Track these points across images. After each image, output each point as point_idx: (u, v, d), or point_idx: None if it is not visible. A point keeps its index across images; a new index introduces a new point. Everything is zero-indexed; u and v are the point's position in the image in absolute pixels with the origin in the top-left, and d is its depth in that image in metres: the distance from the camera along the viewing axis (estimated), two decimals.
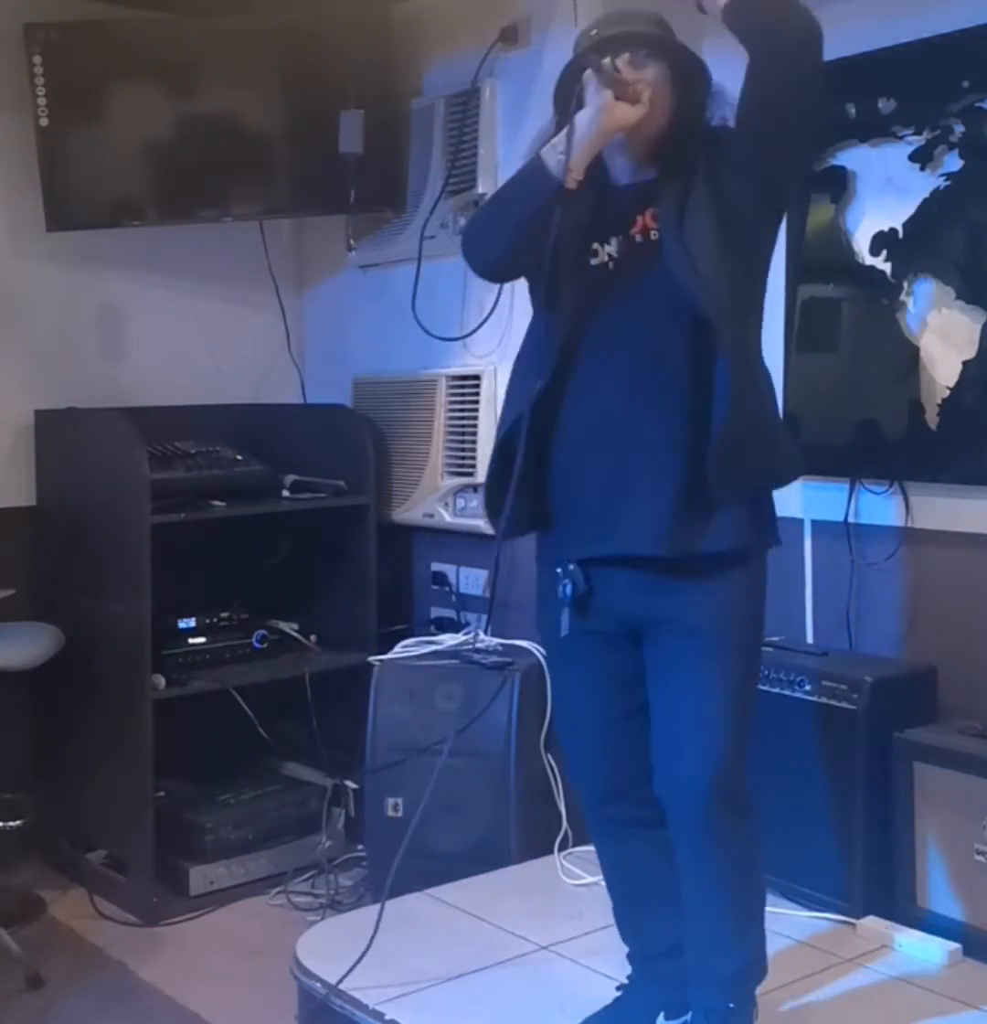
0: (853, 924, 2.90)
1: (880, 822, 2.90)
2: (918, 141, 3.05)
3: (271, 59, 3.92)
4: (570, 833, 3.42)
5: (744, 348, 2.21)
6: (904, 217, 3.09)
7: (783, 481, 2.33)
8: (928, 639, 3.09)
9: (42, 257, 3.98)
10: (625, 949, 2.54)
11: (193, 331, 4.27)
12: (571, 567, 2.30)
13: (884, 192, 3.13)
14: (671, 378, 2.21)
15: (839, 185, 3.21)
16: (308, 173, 3.97)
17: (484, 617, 3.79)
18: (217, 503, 3.79)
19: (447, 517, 3.91)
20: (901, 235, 3.10)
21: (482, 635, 3.68)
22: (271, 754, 4.00)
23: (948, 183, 3.01)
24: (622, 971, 2.54)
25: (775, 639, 3.10)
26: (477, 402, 3.80)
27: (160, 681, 3.61)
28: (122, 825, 3.65)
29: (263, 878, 3.72)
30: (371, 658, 3.63)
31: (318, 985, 2.72)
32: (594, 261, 2.28)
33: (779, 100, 2.13)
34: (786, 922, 2.87)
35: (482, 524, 3.79)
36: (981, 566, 3.00)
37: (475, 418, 3.80)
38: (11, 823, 3.59)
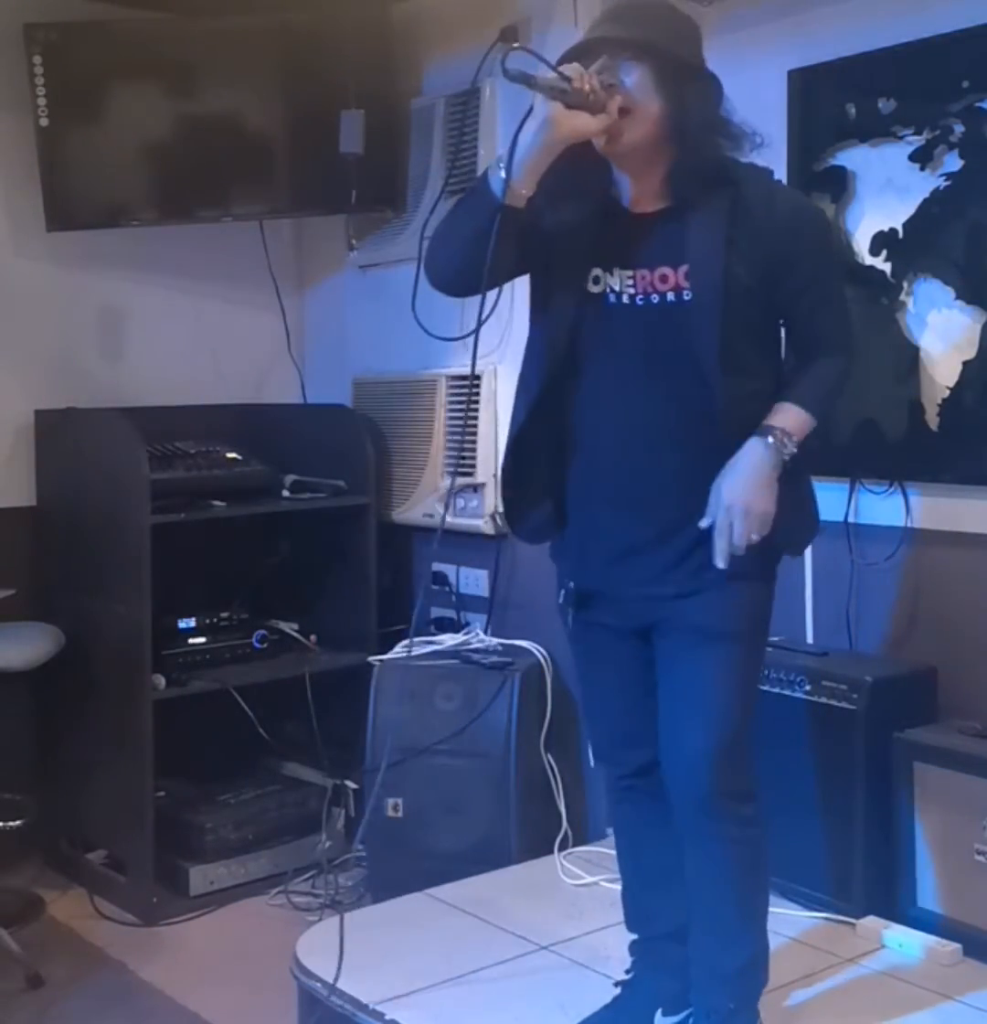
0: (853, 924, 2.89)
1: (880, 822, 2.90)
2: (918, 141, 3.05)
3: (271, 59, 3.92)
4: (570, 833, 3.42)
5: (748, 425, 2.22)
6: (904, 217, 3.08)
7: (791, 551, 2.40)
8: (928, 639, 3.09)
9: (42, 257, 3.99)
10: (625, 949, 2.54)
11: (193, 331, 4.27)
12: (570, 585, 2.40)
13: (884, 192, 3.12)
14: (680, 428, 2.23)
15: (839, 185, 3.20)
16: (308, 173, 3.97)
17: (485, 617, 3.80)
18: (217, 503, 3.79)
19: (447, 517, 3.90)
20: (901, 235, 3.09)
21: (481, 634, 3.70)
22: (271, 754, 4.00)
23: (948, 183, 3.00)
24: (622, 971, 2.54)
25: (775, 639, 3.09)
26: (477, 402, 3.80)
27: (160, 681, 3.61)
28: (122, 825, 3.65)
29: (263, 878, 3.72)
30: (371, 658, 3.63)
31: (318, 985, 2.72)
32: (594, 288, 2.24)
33: None
34: (786, 922, 2.87)
35: (482, 524, 3.80)
36: (981, 566, 3.00)
37: (475, 418, 3.80)
38: (11, 823, 3.59)
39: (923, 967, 2.73)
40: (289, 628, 4.07)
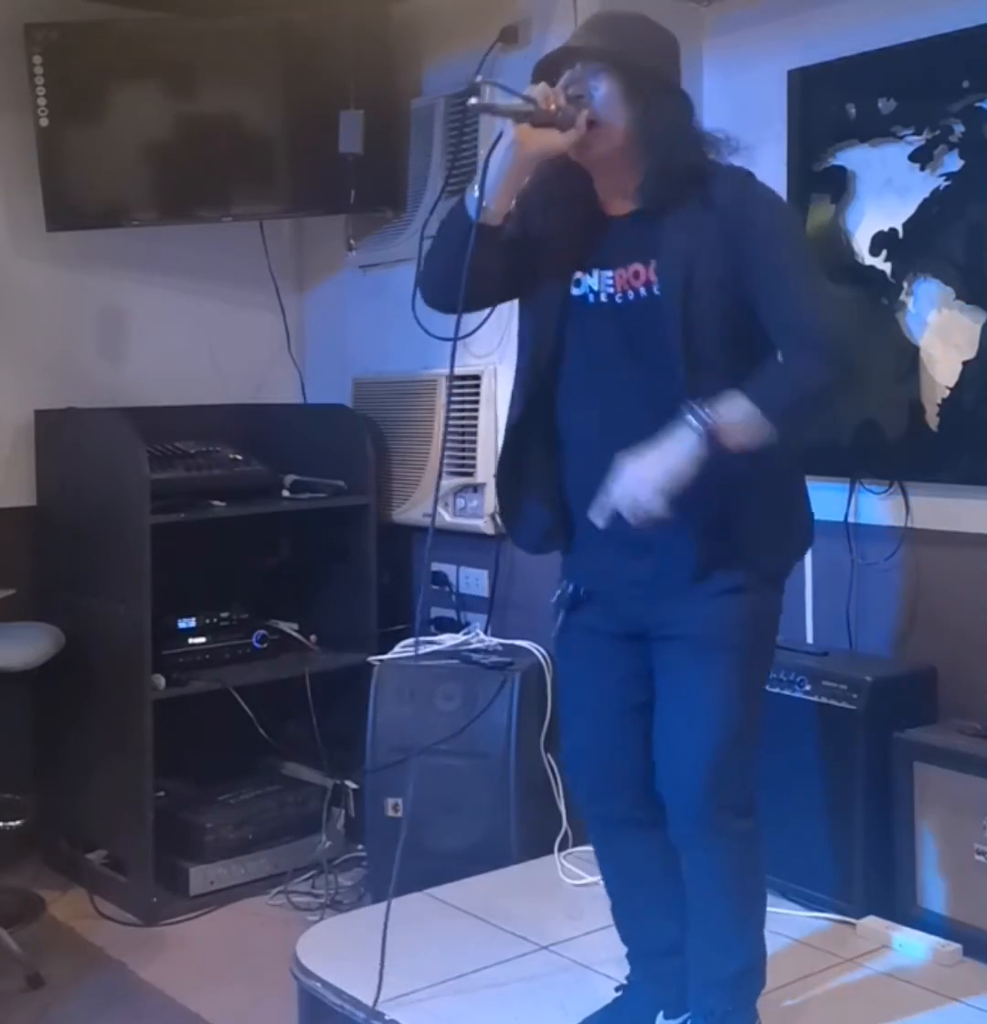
0: (853, 924, 2.90)
1: (880, 822, 2.90)
2: (918, 141, 3.05)
3: (271, 59, 3.92)
4: (570, 833, 3.42)
5: None
6: (904, 217, 3.09)
7: (774, 567, 2.33)
8: (928, 639, 3.09)
9: (42, 257, 3.98)
10: (625, 949, 2.54)
11: (193, 331, 4.27)
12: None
13: (884, 192, 3.13)
14: (653, 420, 2.18)
15: (839, 185, 3.21)
16: (308, 173, 3.97)
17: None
18: (217, 503, 3.79)
19: (447, 517, 3.90)
20: (901, 235, 3.10)
21: (481, 634, 3.70)
22: (271, 754, 4.00)
23: (948, 183, 3.01)
24: (622, 971, 2.54)
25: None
26: (477, 402, 3.80)
27: (160, 681, 3.61)
28: (122, 825, 3.65)
29: (263, 878, 3.71)
30: (371, 658, 3.63)
31: (318, 985, 2.72)
32: (576, 291, 2.27)
33: None
34: (786, 922, 2.87)
35: (482, 524, 3.80)
36: (981, 566, 3.00)
37: (475, 418, 3.80)
38: (11, 823, 3.59)
39: (923, 967, 2.74)
40: (289, 628, 4.07)
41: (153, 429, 3.75)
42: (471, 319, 3.75)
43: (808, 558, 3.24)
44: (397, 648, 3.66)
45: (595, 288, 2.25)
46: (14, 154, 3.87)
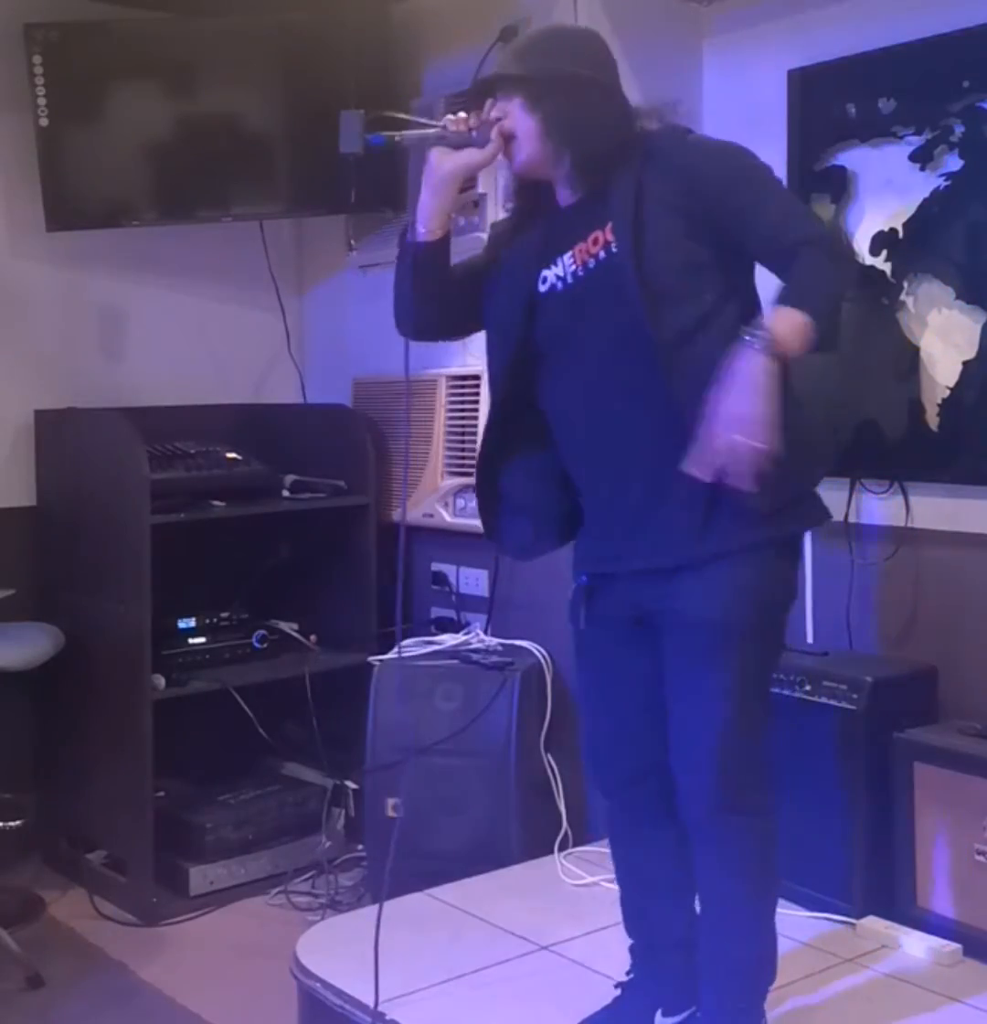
0: (853, 924, 2.90)
1: (880, 822, 2.90)
2: (918, 141, 3.05)
3: (271, 59, 3.92)
4: (570, 833, 3.42)
5: (711, 361, 2.14)
6: (904, 217, 3.09)
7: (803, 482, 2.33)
8: (928, 639, 3.09)
9: (42, 257, 3.98)
10: (625, 949, 2.54)
11: (193, 331, 4.27)
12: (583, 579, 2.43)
13: (884, 192, 3.13)
14: (644, 398, 2.22)
15: (839, 185, 3.21)
16: (308, 173, 3.96)
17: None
18: (217, 503, 3.79)
19: (447, 517, 3.91)
20: (901, 235, 3.10)
21: (481, 634, 3.70)
22: (271, 754, 4.00)
23: (948, 183, 3.01)
24: (622, 971, 2.54)
25: None
26: (477, 402, 3.80)
27: (160, 681, 3.61)
28: (122, 825, 3.65)
29: (263, 878, 3.71)
30: (371, 658, 3.63)
31: (318, 985, 2.72)
32: (543, 288, 2.33)
33: None
34: (786, 922, 2.84)
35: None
36: (981, 566, 3.00)
37: (475, 418, 3.80)
38: (11, 823, 3.59)
39: (923, 967, 2.74)
40: (289, 628, 4.07)
41: (153, 429, 3.75)
42: None
43: (808, 558, 3.25)
44: (396, 649, 3.65)
45: (560, 274, 2.31)
46: (14, 154, 3.88)
